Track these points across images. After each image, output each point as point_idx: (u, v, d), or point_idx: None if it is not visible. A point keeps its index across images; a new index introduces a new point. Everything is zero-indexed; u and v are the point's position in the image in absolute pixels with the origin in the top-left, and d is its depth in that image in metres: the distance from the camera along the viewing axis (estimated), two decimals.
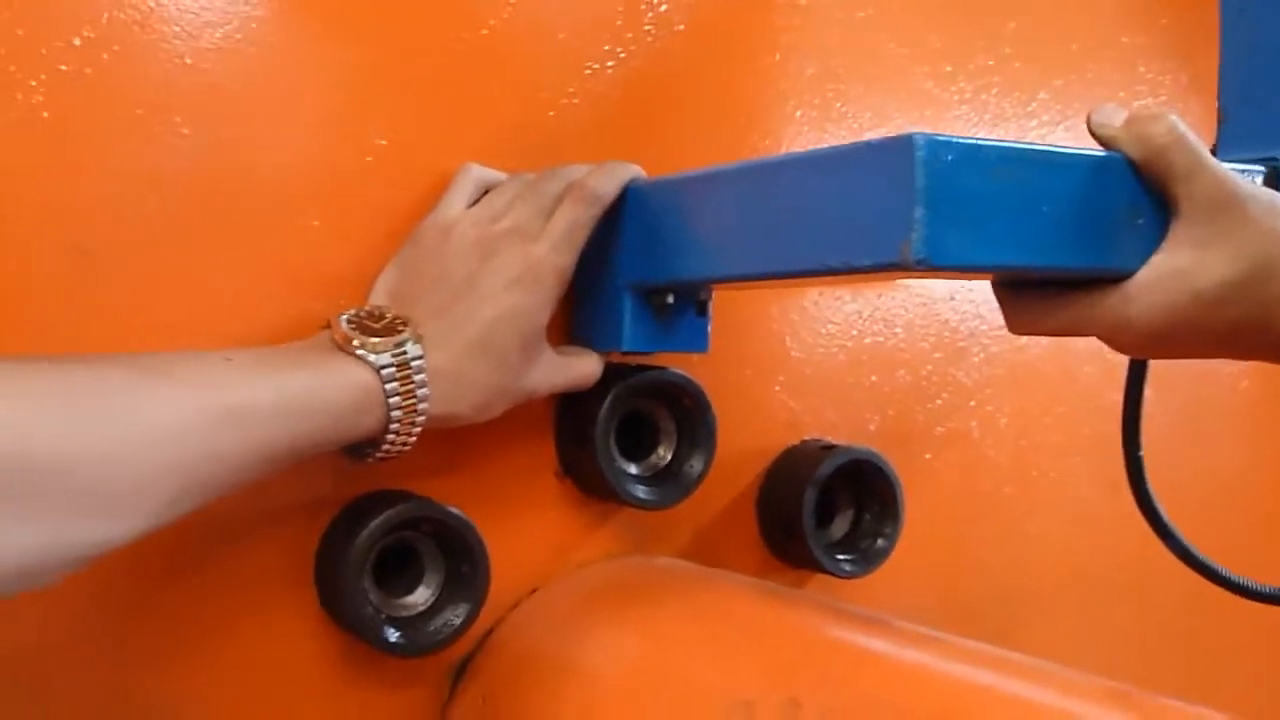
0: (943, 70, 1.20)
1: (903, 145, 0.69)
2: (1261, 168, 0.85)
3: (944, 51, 1.21)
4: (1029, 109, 1.24)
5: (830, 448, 1.11)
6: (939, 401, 1.21)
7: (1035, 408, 1.26)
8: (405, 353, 0.83)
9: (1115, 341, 0.81)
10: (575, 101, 1.03)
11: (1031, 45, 1.25)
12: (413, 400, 0.84)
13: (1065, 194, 0.76)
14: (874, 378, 1.18)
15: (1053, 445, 1.26)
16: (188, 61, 0.87)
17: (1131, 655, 1.32)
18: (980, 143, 0.72)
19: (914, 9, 1.20)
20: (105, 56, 0.83)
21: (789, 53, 1.12)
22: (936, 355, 1.18)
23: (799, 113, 1.12)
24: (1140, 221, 0.77)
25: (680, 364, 1.02)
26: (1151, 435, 1.30)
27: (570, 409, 1.02)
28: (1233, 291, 0.76)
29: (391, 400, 0.83)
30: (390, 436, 0.84)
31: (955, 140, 0.70)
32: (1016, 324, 0.83)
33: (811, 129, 1.16)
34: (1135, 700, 0.76)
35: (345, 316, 0.85)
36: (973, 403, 1.23)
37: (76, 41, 0.82)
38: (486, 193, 0.95)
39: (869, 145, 0.73)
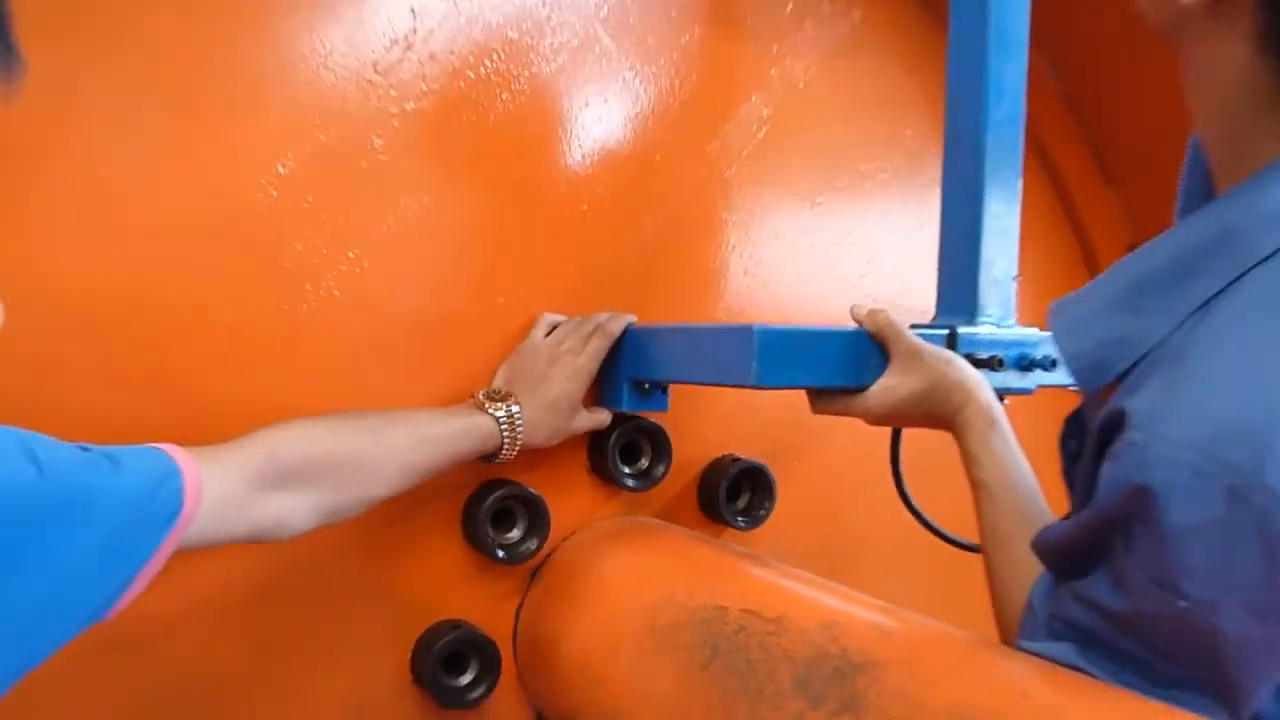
0: (823, 250, 1.38)
1: (748, 330, 0.99)
2: (945, 331, 1.11)
3: (819, 232, 1.38)
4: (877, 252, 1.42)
5: (737, 459, 1.33)
6: (806, 432, 1.37)
7: (868, 437, 1.28)
8: (511, 411, 1.11)
9: (865, 419, 1.06)
10: (604, 272, 1.24)
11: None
12: (514, 434, 1.11)
13: (834, 349, 1.04)
14: (767, 418, 1.35)
15: (878, 456, 1.29)
16: (392, 250, 1.11)
17: (922, 589, 1.28)
18: (787, 327, 1.01)
19: (795, 210, 1.38)
20: (351, 255, 1.10)
21: (733, 230, 1.32)
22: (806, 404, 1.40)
23: (727, 274, 1.33)
24: (873, 362, 1.05)
25: (656, 417, 1.25)
26: (934, 450, 1.47)
27: (595, 439, 1.24)
28: (917, 398, 1.02)
29: (504, 435, 1.11)
30: (503, 452, 1.12)
31: (774, 327, 0.99)
32: (815, 409, 1.09)
33: (739, 285, 1.34)
34: (894, 612, 0.92)
35: (482, 392, 1.13)
36: (827, 433, 1.38)
37: (352, 255, 1.11)
38: (554, 327, 1.19)
39: (736, 327, 1.02)
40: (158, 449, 0.84)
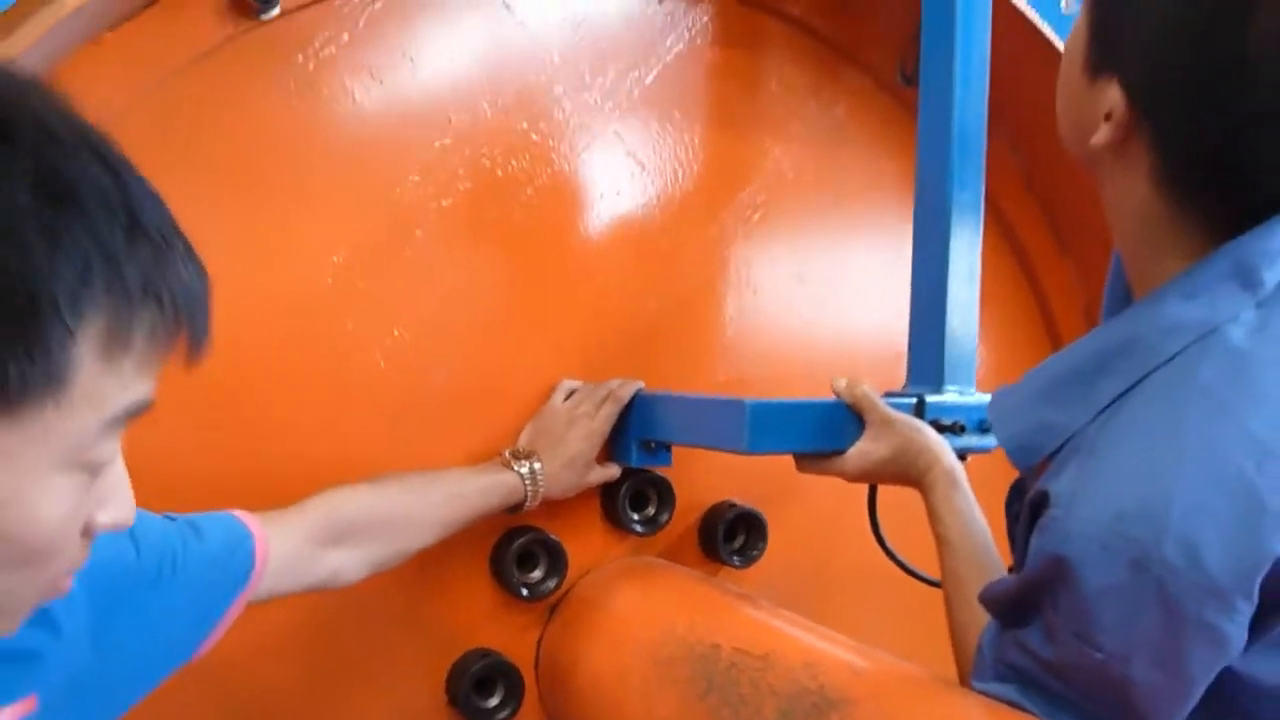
0: (809, 320, 1.46)
1: (741, 403, 1.07)
2: (914, 399, 1.18)
3: (806, 304, 1.45)
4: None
5: (734, 505, 1.38)
6: (797, 479, 1.27)
7: (851, 486, 1.22)
8: (534, 468, 1.19)
9: (844, 478, 1.14)
10: (616, 342, 1.31)
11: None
12: (536, 488, 1.19)
13: (816, 418, 1.11)
14: (761, 466, 1.29)
15: (860, 502, 1.25)
16: (431, 326, 1.20)
17: (898, 621, 1.34)
18: (775, 401, 1.09)
19: (785, 285, 1.44)
20: (395, 332, 1.19)
21: (730, 304, 1.40)
22: None
23: (724, 342, 1.40)
24: (850, 429, 1.12)
25: (661, 470, 1.31)
26: (907, 500, 1.48)
27: (607, 489, 1.30)
28: (889, 461, 1.09)
29: (528, 489, 1.18)
30: (526, 504, 1.19)
31: (764, 402, 1.07)
32: (800, 469, 1.16)
33: (735, 353, 1.39)
34: (867, 652, 0.98)
35: (508, 451, 1.21)
36: (816, 481, 1.24)
37: (396, 332, 1.19)
38: (572, 392, 1.26)
39: (731, 400, 1.10)
40: (231, 515, 0.92)
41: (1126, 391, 0.80)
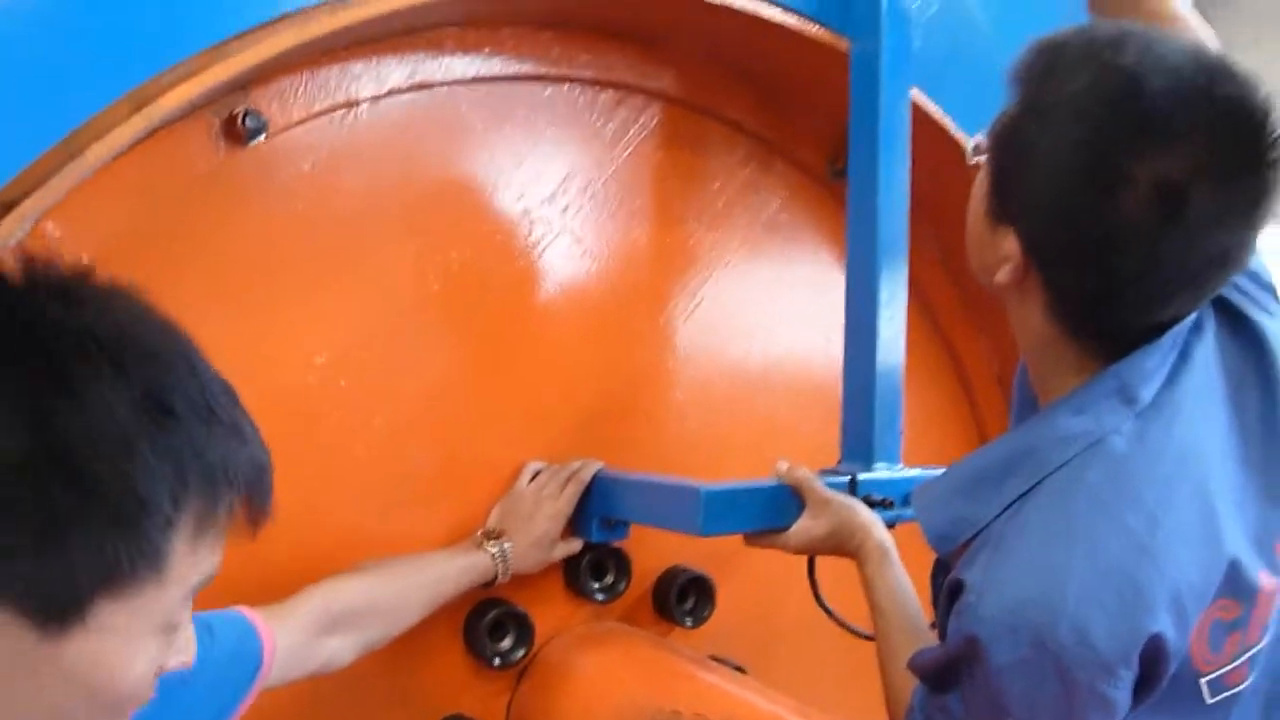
0: (748, 399, 1.58)
1: (695, 489, 1.19)
2: (847, 478, 1.30)
3: (745, 385, 1.59)
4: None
5: (684, 569, 1.49)
6: (743, 545, 1.38)
7: None
8: (504, 548, 1.29)
9: (786, 551, 1.25)
10: (574, 425, 1.42)
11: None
12: (507, 567, 1.29)
13: (762, 500, 1.24)
14: None
15: (801, 563, 1.33)
16: (408, 417, 1.30)
17: (836, 678, 1.45)
18: (726, 486, 1.21)
19: (728, 368, 1.57)
20: (374, 422, 1.29)
21: (678, 386, 1.51)
22: None
23: (673, 421, 1.51)
24: (791, 508, 1.24)
25: (619, 543, 1.42)
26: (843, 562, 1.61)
27: (569, 561, 1.40)
28: (826, 536, 1.22)
29: (498, 568, 1.28)
30: (498, 581, 1.29)
31: (716, 488, 1.19)
32: (746, 543, 1.28)
33: (683, 431, 1.50)
34: (810, 714, 1.11)
35: (480, 531, 1.31)
36: None
37: (375, 424, 1.29)
38: (537, 474, 1.36)
39: (686, 485, 1.21)
40: (238, 613, 1.01)
41: (1028, 491, 0.94)
